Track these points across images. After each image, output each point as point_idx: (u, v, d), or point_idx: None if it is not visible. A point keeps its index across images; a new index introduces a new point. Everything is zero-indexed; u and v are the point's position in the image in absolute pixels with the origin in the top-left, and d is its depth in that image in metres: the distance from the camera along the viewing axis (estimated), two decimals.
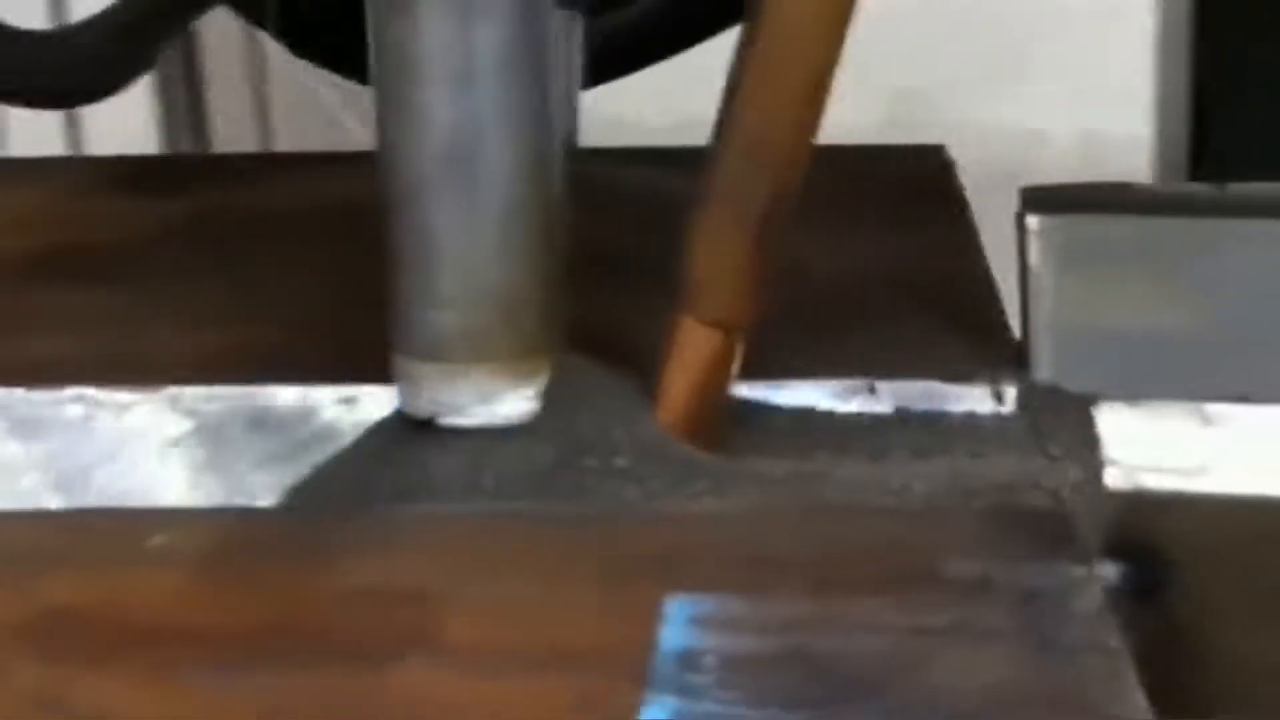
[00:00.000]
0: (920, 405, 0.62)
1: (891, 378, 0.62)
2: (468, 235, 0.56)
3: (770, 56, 0.54)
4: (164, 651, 0.48)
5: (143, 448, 0.63)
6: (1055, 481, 0.58)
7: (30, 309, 0.73)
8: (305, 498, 0.58)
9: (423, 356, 0.58)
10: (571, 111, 0.61)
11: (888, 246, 0.75)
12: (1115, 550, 0.56)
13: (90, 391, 0.64)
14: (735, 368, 0.58)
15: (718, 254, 0.56)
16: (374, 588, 0.51)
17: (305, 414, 0.62)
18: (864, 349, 0.64)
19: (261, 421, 0.62)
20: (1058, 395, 0.60)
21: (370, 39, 0.56)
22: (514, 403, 0.58)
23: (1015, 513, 0.56)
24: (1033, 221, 0.60)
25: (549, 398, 0.58)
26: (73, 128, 1.19)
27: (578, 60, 0.64)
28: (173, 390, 0.63)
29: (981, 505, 0.57)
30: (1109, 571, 0.56)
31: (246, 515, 0.58)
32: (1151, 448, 0.58)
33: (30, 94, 0.81)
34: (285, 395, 0.62)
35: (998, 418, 0.61)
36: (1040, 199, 0.61)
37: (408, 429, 0.59)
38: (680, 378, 0.57)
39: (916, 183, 0.81)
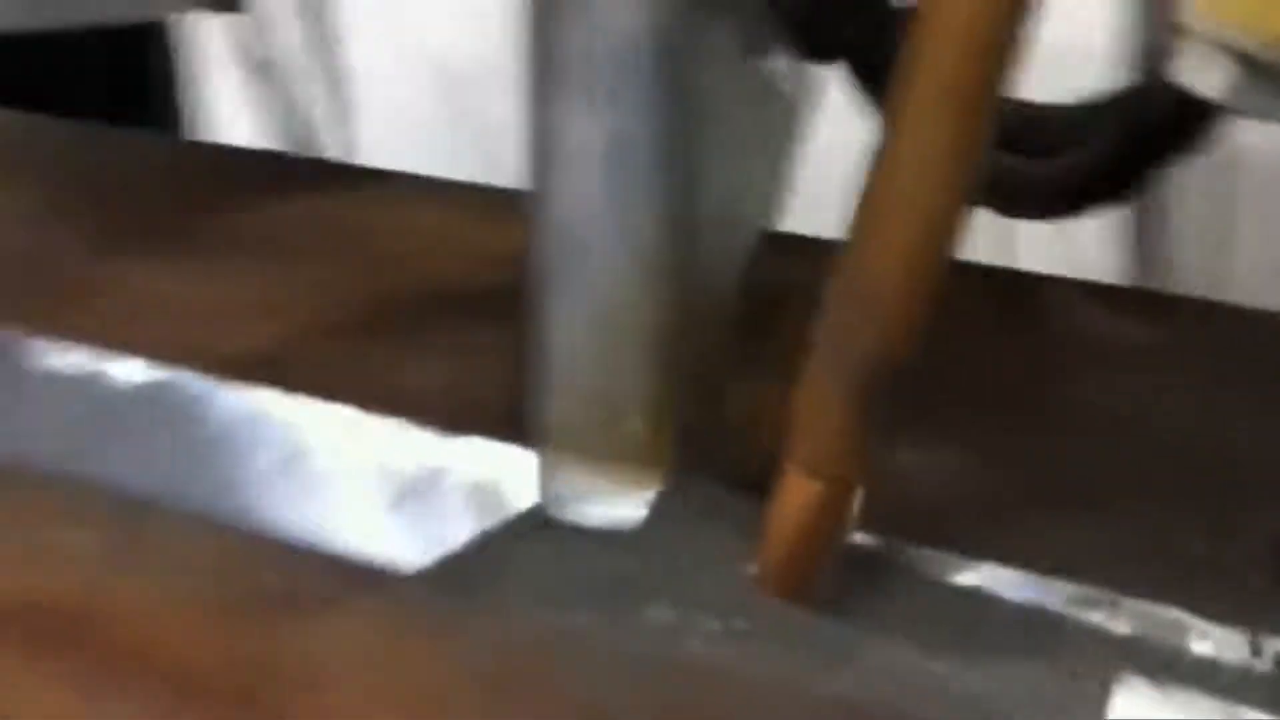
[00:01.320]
0: (1159, 634, 0.52)
1: (1138, 594, 0.52)
2: (572, 328, 0.54)
3: (882, 203, 0.48)
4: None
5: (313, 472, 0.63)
6: None
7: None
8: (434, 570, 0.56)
9: (537, 441, 0.55)
10: (764, 212, 0.55)
11: (1248, 430, 0.63)
12: None
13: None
14: (846, 521, 0.52)
15: (817, 407, 0.50)
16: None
17: None
18: (1130, 547, 0.55)
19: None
20: None
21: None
22: (613, 509, 0.54)
23: None
24: None
25: (655, 515, 0.54)
26: None
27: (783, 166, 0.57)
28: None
29: None
30: None
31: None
32: None
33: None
34: None
35: (1241, 671, 0.50)
36: None
37: (535, 515, 0.57)
38: (778, 524, 0.52)
39: None
